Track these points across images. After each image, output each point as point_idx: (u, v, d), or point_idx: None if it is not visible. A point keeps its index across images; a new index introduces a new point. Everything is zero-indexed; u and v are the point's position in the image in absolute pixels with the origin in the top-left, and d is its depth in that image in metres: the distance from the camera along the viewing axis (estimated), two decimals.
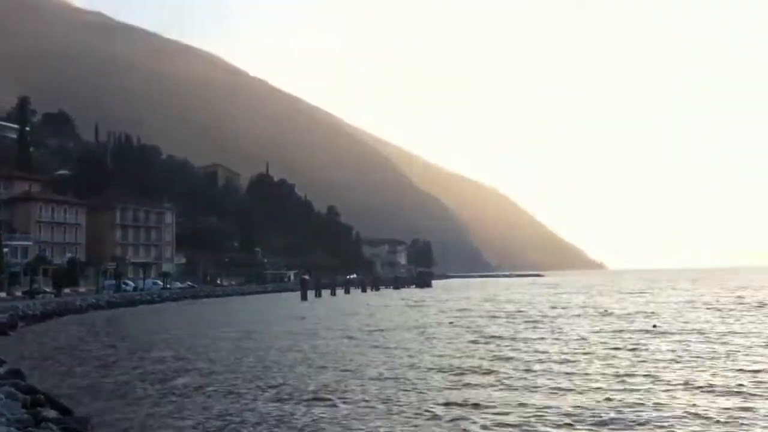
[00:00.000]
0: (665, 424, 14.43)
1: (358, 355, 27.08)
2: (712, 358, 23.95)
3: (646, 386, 18.52)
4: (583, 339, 31.22)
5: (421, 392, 18.32)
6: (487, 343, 30.51)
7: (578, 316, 47.81)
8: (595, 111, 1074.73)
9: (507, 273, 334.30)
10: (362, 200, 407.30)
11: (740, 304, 57.85)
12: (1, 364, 20.38)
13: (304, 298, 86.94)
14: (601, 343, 29.45)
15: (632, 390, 18.00)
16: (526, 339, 31.90)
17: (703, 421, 14.67)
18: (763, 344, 28.00)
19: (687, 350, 26.37)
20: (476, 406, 16.41)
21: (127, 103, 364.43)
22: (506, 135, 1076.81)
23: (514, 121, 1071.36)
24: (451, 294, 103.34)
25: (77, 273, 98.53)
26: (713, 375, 20.31)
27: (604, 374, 20.70)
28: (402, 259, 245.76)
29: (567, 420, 14.84)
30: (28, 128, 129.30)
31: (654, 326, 37.45)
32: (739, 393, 17.44)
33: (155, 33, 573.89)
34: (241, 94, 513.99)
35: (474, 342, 30.99)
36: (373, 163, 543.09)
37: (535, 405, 16.36)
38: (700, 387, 18.33)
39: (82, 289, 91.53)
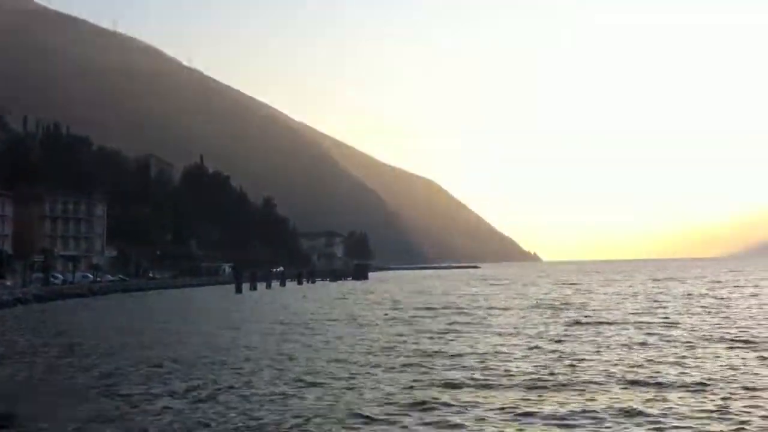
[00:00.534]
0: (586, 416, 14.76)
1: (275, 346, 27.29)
2: (632, 347, 24.89)
3: (570, 376, 19.18)
4: (510, 334, 30.99)
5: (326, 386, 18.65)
6: (416, 334, 30.93)
7: (505, 309, 48.72)
8: (526, 103, 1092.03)
9: (443, 265, 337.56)
10: (299, 192, 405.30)
11: (667, 294, 59.98)
12: None
13: (238, 290, 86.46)
14: (532, 336, 29.76)
15: (557, 380, 18.62)
16: (455, 331, 32.30)
17: (622, 410, 15.07)
18: (685, 333, 29.22)
19: (611, 340, 27.28)
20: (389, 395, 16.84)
21: (57, 93, 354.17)
22: (441, 126, 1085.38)
23: (448, 113, 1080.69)
24: (387, 285, 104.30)
25: (4, 266, 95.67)
26: (632, 365, 21.07)
27: (534, 367, 21.22)
28: (339, 252, 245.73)
29: (486, 413, 15.05)
30: None
31: (586, 317, 38.71)
32: (656, 384, 17.82)
33: (88, 22, 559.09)
34: (175, 86, 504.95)
35: (400, 335, 30.78)
36: (310, 156, 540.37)
37: (460, 399, 16.53)
38: (621, 377, 18.95)
39: (8, 283, 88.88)
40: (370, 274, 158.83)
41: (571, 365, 20.90)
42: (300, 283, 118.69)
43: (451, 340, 28.64)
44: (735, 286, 72.63)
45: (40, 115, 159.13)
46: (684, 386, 17.31)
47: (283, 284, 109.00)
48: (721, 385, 17.44)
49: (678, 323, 33.80)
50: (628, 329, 31.25)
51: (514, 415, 14.68)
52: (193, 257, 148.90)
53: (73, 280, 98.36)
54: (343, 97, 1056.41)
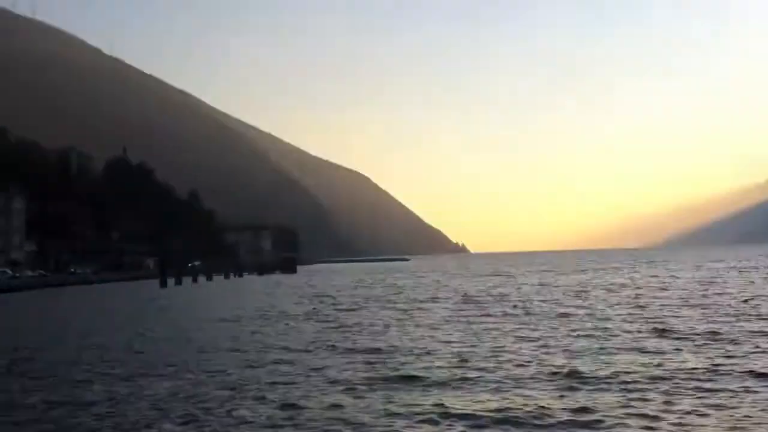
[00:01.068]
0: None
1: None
2: (549, 338, 25.40)
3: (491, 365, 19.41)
4: (438, 326, 30.76)
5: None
6: (337, 329, 30.76)
7: (436, 299, 49.19)
8: (452, 99, 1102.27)
9: (373, 258, 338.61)
10: (227, 185, 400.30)
11: (587, 286, 61.46)
12: None
13: (163, 285, 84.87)
14: (459, 330, 29.86)
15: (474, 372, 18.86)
16: (380, 324, 32.29)
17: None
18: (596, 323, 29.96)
19: (532, 331, 27.77)
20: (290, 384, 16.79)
21: None
22: (371, 120, 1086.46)
23: (379, 109, 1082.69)
24: (314, 279, 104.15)
25: None
26: (548, 357, 21.56)
27: (451, 359, 21.45)
28: (267, 245, 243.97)
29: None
30: None
31: (515, 306, 39.44)
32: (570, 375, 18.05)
33: (5, 9, 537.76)
34: (99, 75, 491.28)
35: (320, 331, 29.95)
36: (240, 149, 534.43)
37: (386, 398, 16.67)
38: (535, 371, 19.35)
39: None
40: (299, 268, 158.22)
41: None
42: (227, 277, 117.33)
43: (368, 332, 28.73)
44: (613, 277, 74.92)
45: None
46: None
47: (209, 278, 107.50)
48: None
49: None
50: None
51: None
52: (115, 251, 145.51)
53: None
54: (273, 89, 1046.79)
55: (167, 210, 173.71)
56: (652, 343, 22.92)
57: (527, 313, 34.76)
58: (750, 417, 13.14)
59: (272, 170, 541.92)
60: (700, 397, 14.78)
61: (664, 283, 61.00)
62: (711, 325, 27.21)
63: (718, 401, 14.42)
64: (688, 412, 13.56)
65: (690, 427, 12.63)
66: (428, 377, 17.62)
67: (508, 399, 15.02)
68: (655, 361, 19.13)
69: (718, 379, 16.66)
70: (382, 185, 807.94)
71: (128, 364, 21.31)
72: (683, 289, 50.47)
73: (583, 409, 13.92)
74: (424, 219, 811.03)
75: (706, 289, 49.56)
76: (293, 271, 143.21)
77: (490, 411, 14.02)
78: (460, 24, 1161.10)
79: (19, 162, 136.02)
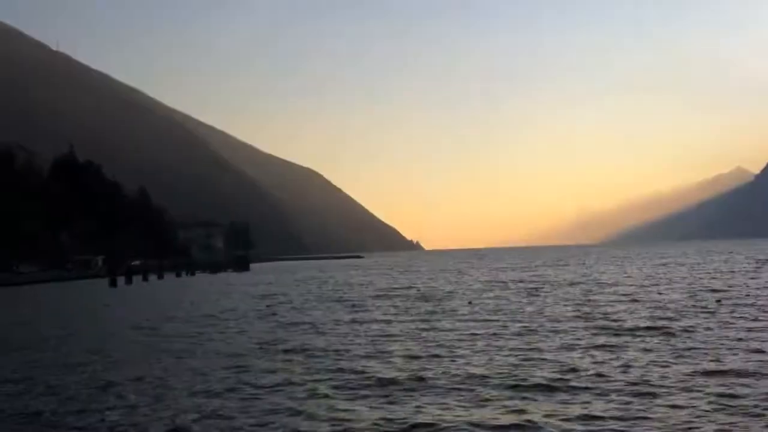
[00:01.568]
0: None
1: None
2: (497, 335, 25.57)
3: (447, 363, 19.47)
4: (387, 322, 30.96)
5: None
6: (289, 326, 30.66)
7: (383, 296, 49.15)
8: (409, 96, 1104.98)
9: (327, 255, 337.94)
10: (177, 182, 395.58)
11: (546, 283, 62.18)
12: None
13: (113, 284, 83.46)
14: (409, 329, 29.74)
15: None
16: (330, 321, 32.31)
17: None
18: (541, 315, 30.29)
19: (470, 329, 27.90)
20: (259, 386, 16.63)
21: None
22: (322, 117, 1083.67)
23: (332, 106, 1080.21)
24: (265, 277, 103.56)
25: None
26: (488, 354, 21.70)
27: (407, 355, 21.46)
28: (219, 243, 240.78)
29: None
30: None
31: (470, 302, 39.71)
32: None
33: None
34: (44, 71, 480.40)
35: (272, 331, 29.68)
36: (189, 146, 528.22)
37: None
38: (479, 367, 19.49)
39: None
40: (252, 266, 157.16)
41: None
42: (179, 275, 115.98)
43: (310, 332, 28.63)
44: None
45: None
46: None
47: (161, 277, 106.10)
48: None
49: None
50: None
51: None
52: (62, 250, 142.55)
53: None
54: (225, 87, 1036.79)
55: (116, 207, 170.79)
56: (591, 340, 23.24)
57: (476, 311, 34.90)
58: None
59: (225, 168, 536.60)
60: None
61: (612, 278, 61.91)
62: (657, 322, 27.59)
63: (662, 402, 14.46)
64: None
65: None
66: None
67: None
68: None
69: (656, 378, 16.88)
70: (335, 182, 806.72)
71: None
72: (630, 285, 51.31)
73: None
74: (379, 216, 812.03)
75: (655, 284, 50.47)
76: (246, 269, 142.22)
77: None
78: (410, 18, 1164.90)
79: None
